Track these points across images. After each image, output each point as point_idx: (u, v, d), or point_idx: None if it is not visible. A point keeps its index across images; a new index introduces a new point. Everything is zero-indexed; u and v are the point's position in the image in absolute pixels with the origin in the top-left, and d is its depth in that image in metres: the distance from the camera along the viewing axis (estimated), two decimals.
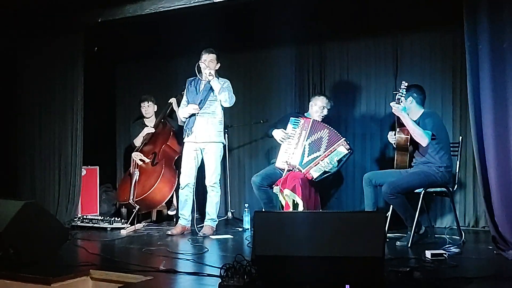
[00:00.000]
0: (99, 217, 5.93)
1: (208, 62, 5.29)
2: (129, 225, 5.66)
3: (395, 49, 5.87)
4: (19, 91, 6.22)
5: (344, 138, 5.26)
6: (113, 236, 5.36)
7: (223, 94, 5.26)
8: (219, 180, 5.47)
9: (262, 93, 6.55)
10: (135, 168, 6.08)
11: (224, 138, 5.58)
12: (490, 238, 4.26)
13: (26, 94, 6.20)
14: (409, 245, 4.52)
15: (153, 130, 6.21)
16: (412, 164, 4.80)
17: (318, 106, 5.44)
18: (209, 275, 3.60)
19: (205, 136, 5.33)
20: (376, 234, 3.05)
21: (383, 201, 4.84)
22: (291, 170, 5.29)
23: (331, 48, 6.22)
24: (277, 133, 5.41)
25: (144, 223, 5.98)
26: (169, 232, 5.35)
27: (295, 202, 5.05)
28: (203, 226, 5.39)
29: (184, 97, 5.54)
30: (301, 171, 5.25)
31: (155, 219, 6.20)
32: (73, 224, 5.77)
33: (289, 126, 5.40)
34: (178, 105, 5.93)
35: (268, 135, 5.63)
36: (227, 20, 6.07)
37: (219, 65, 5.39)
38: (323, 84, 6.24)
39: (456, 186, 4.92)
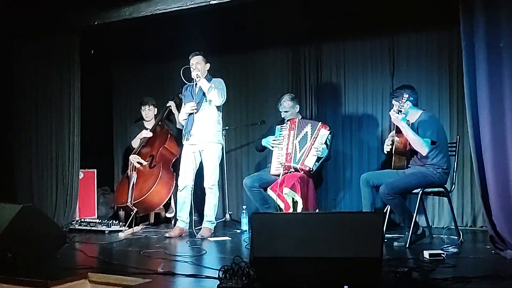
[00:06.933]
0: (97, 220, 5.93)
1: (195, 65, 5.29)
2: (127, 228, 5.66)
3: (392, 49, 5.88)
4: (16, 93, 6.20)
5: (321, 122, 5.47)
6: (111, 239, 5.35)
7: (212, 93, 5.24)
8: (217, 181, 5.47)
9: (259, 94, 6.55)
10: (132, 170, 6.07)
11: (222, 139, 5.58)
12: (488, 237, 4.26)
13: (22, 96, 6.19)
14: (407, 245, 4.51)
15: (150, 135, 6.16)
16: (409, 165, 4.80)
17: (288, 110, 5.59)
18: (207, 277, 3.60)
19: (204, 137, 5.33)
20: (374, 235, 3.05)
21: (380, 201, 4.84)
22: (288, 173, 5.32)
23: (327, 48, 6.23)
24: (267, 140, 5.58)
25: (142, 226, 5.97)
26: (167, 235, 5.34)
27: (295, 200, 5.09)
28: (201, 228, 5.39)
29: (183, 103, 5.56)
30: (297, 169, 5.29)
31: (153, 222, 6.20)
32: (71, 227, 5.76)
33: (277, 133, 5.57)
34: (177, 108, 5.95)
35: (257, 148, 5.84)
36: (223, 21, 6.07)
37: (208, 65, 5.37)
38: (319, 84, 6.26)
39: (453, 186, 4.91)
